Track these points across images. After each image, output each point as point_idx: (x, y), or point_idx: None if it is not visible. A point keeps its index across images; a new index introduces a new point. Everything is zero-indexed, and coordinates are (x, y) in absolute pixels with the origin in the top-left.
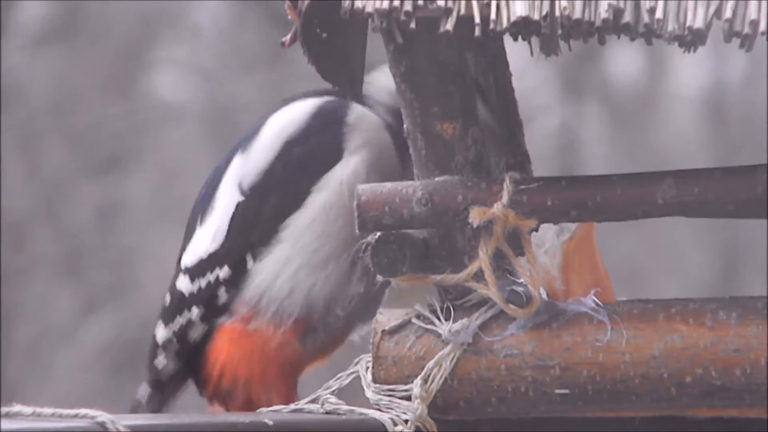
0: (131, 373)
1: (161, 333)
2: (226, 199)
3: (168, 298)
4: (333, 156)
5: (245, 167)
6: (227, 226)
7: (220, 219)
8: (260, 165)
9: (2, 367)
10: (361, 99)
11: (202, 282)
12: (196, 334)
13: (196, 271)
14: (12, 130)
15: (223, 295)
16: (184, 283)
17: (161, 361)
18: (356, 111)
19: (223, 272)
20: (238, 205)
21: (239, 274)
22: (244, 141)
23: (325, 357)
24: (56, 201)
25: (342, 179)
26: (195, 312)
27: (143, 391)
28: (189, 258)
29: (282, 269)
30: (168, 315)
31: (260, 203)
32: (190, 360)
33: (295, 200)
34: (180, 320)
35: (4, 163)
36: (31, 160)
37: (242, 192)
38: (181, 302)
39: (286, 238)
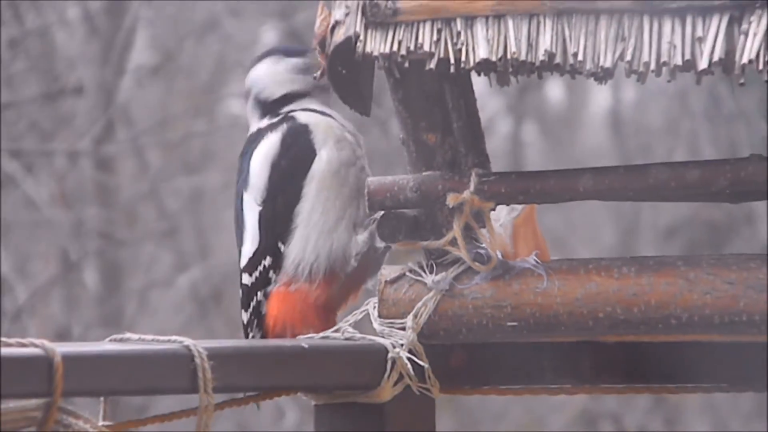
0: (212, 312)
1: (245, 316)
2: (251, 213)
3: (241, 292)
4: (309, 155)
5: (253, 190)
6: (258, 230)
7: (252, 227)
8: (262, 183)
9: (122, 308)
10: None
11: (256, 273)
12: (264, 309)
13: (250, 267)
14: (128, 141)
15: (273, 276)
16: (246, 279)
17: (251, 336)
18: (310, 119)
19: (267, 261)
20: (259, 214)
21: (278, 258)
22: (241, 178)
23: (354, 296)
24: (159, 190)
25: (321, 168)
26: (259, 295)
27: None
28: (243, 260)
29: (306, 244)
30: (244, 303)
31: (273, 207)
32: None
33: (296, 196)
34: (252, 304)
35: (122, 164)
36: (141, 161)
37: (258, 205)
38: (249, 292)
39: (301, 222)
